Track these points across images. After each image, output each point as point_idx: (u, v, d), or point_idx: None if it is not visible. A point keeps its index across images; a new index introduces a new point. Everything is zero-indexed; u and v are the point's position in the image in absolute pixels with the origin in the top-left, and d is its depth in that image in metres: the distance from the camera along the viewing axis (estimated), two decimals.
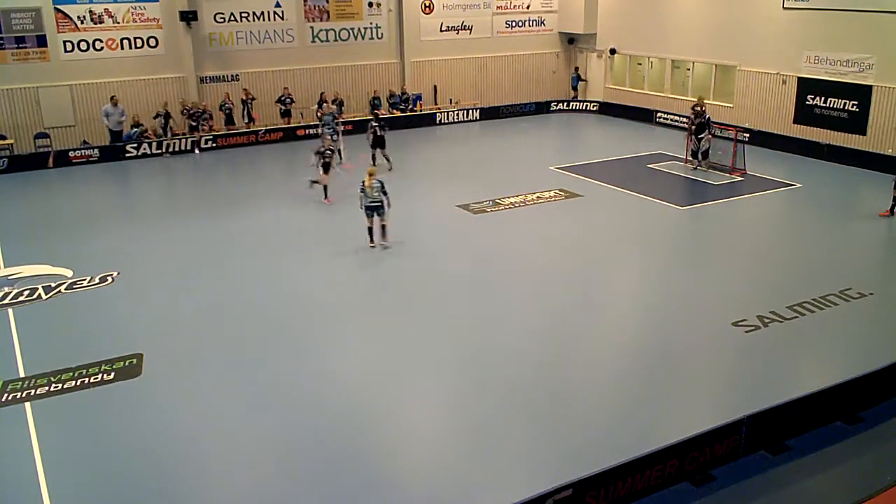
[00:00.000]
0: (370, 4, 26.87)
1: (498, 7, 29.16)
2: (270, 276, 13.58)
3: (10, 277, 13.68)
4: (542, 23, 30.29)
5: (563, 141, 26.75)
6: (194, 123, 23.70)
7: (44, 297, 12.86)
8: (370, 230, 14.54)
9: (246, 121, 24.75)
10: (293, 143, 24.63)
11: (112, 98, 22.75)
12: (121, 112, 22.86)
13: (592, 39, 29.83)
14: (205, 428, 9.01)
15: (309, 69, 26.18)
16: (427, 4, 27.85)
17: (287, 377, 10.11)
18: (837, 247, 14.95)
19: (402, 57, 27.73)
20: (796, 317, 11.49)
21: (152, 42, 23.97)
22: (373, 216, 14.44)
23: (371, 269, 13.85)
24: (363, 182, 14.30)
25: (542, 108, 29.72)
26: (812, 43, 22.00)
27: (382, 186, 14.29)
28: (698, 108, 20.37)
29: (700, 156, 20.28)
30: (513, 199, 17.82)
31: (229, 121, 24.56)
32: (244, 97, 24.63)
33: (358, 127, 25.77)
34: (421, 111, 27.71)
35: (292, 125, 25.19)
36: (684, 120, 24.37)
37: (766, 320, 11.36)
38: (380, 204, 14.34)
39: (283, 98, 25.09)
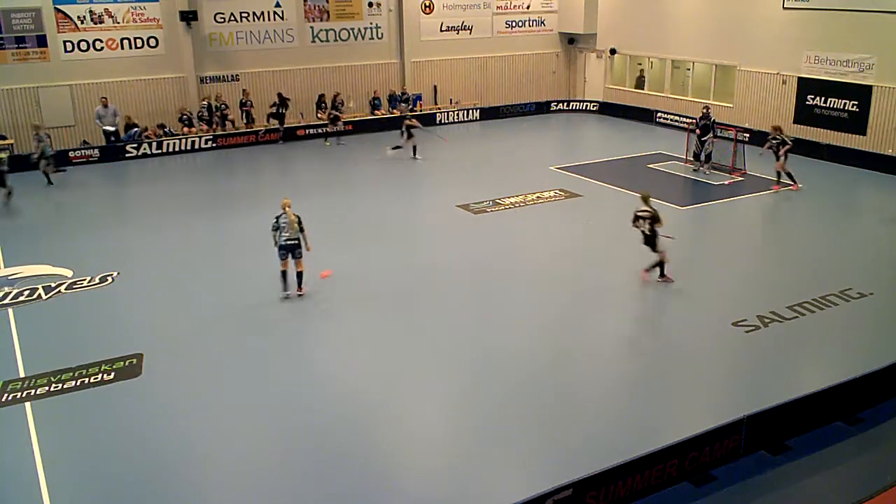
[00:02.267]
0: (370, 4, 26.87)
1: (498, 7, 29.15)
2: (271, 275, 13.55)
3: (10, 277, 13.68)
4: (542, 23, 30.28)
5: (563, 141, 26.75)
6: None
7: (44, 297, 12.86)
8: (284, 274, 12.33)
9: (245, 122, 24.73)
10: (293, 143, 24.65)
11: (102, 99, 22.69)
12: (113, 112, 22.79)
13: (592, 39, 29.82)
14: (205, 428, 9.01)
15: (309, 69, 26.17)
16: (427, 4, 27.85)
17: (287, 377, 10.11)
18: (837, 247, 14.95)
19: (402, 57, 27.72)
20: (796, 317, 11.49)
21: (152, 42, 23.96)
22: (287, 257, 12.22)
23: (370, 269, 13.84)
24: (278, 215, 12.13)
25: (542, 108, 29.71)
26: (812, 43, 21.99)
27: (300, 221, 12.11)
28: (705, 111, 20.37)
29: (703, 158, 20.27)
30: (513, 199, 17.82)
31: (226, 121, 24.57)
32: (244, 99, 24.57)
33: (357, 127, 25.86)
34: (421, 111, 27.69)
35: (291, 125, 25.17)
36: (685, 120, 24.42)
37: (766, 320, 11.36)
38: (297, 242, 12.11)
39: (335, 104, 24.57)
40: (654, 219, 12.47)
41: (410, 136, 21.72)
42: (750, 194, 18.31)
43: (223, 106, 24.24)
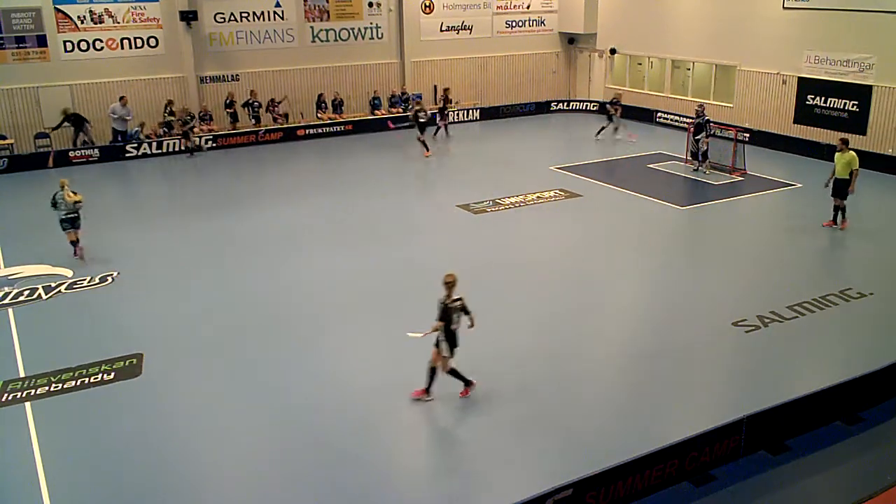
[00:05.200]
0: (370, 4, 26.86)
1: (498, 7, 29.15)
2: (271, 275, 13.58)
3: (10, 277, 13.68)
4: (542, 23, 30.28)
5: (564, 141, 26.71)
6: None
7: (44, 297, 12.86)
8: (73, 244, 14.39)
9: (253, 122, 24.71)
10: (292, 143, 24.65)
11: (122, 98, 22.78)
12: (127, 112, 22.85)
13: (592, 39, 29.81)
14: (204, 428, 9.01)
15: (309, 69, 26.17)
16: (427, 4, 27.84)
17: (287, 377, 10.11)
18: (837, 247, 14.95)
19: (402, 57, 27.72)
20: (796, 317, 11.49)
21: (152, 42, 23.97)
22: (69, 229, 14.27)
23: (369, 269, 13.84)
24: (55, 192, 14.19)
25: (542, 108, 29.71)
26: (812, 43, 21.99)
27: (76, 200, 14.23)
28: (699, 109, 20.43)
29: (700, 157, 20.31)
30: (513, 199, 17.82)
31: (234, 119, 24.54)
32: (250, 98, 24.53)
33: (357, 127, 25.86)
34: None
35: (292, 125, 25.18)
36: (685, 120, 24.41)
37: (766, 320, 11.36)
38: (76, 216, 14.22)
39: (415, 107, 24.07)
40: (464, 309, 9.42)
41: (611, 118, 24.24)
42: (750, 194, 18.32)
43: (205, 114, 24.14)
